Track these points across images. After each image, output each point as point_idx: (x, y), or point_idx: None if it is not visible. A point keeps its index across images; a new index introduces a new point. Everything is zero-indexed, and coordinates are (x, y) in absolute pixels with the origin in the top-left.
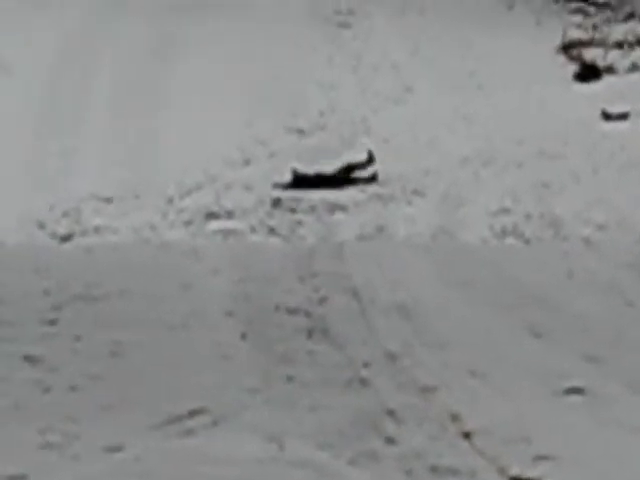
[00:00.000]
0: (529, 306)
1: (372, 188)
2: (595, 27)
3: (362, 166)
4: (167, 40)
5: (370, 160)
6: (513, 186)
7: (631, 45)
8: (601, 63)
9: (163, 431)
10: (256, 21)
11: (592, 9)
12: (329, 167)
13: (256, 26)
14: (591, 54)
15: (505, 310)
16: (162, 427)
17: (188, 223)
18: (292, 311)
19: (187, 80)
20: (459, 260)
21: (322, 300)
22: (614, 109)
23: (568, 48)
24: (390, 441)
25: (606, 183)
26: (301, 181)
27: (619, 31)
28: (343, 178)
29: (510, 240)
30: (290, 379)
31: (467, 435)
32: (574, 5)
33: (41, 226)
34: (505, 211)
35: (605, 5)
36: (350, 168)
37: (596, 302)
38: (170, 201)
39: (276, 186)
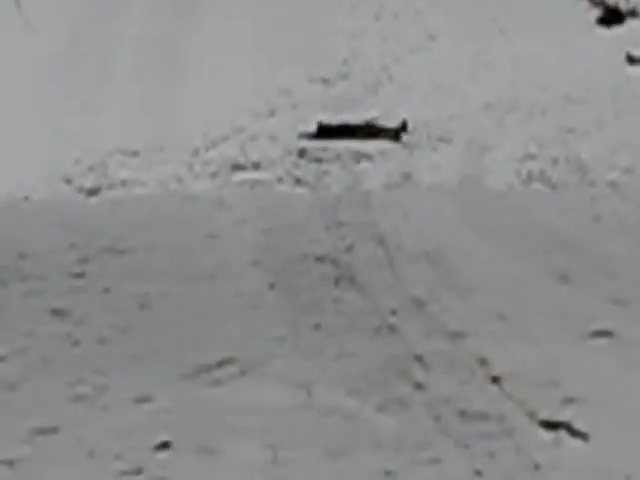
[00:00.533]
0: (555, 251)
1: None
2: None
3: (393, 133)
4: None
5: (404, 128)
6: (538, 132)
7: None
8: (624, 7)
9: (191, 381)
10: None
11: None
12: (355, 119)
13: None
14: None
15: (532, 255)
16: (190, 377)
17: (214, 175)
18: (319, 260)
19: (210, 33)
20: (485, 206)
21: (349, 248)
22: (638, 53)
23: None
24: (418, 387)
25: (631, 127)
26: (327, 132)
27: None
28: (369, 131)
29: (536, 185)
30: (317, 327)
31: (495, 379)
32: None
33: (67, 181)
34: (531, 157)
35: None
36: (377, 127)
37: (623, 245)
38: (196, 153)
39: (302, 136)
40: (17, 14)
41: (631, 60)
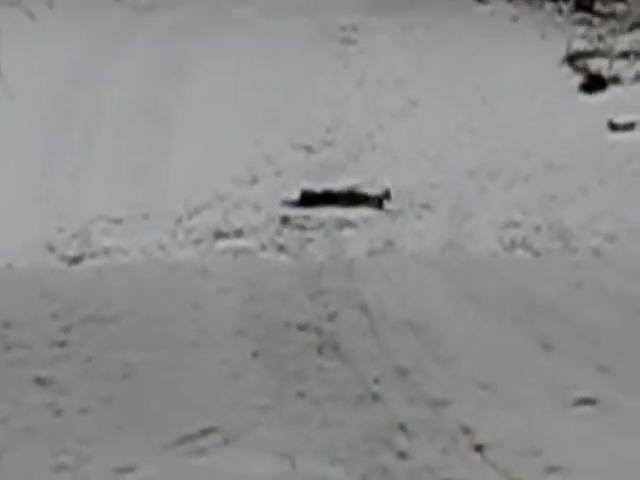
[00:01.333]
0: (538, 318)
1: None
2: (600, 38)
3: (376, 200)
4: (174, 60)
5: (387, 195)
6: (521, 198)
7: (636, 55)
8: (606, 73)
9: (175, 451)
10: (261, 39)
11: (596, 20)
12: (337, 186)
13: (261, 44)
14: (596, 65)
15: (515, 322)
16: (174, 447)
17: (197, 242)
18: (302, 328)
19: (194, 100)
20: (468, 273)
21: (332, 316)
22: (620, 119)
23: (573, 59)
24: (402, 456)
25: (614, 193)
26: (310, 200)
27: (624, 41)
28: (352, 199)
29: (519, 252)
30: (301, 396)
31: (479, 448)
32: (578, 16)
33: (50, 249)
34: (514, 224)
35: (609, 15)
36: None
37: (605, 312)
38: (179, 221)
39: (285, 204)
40: None
41: (613, 127)
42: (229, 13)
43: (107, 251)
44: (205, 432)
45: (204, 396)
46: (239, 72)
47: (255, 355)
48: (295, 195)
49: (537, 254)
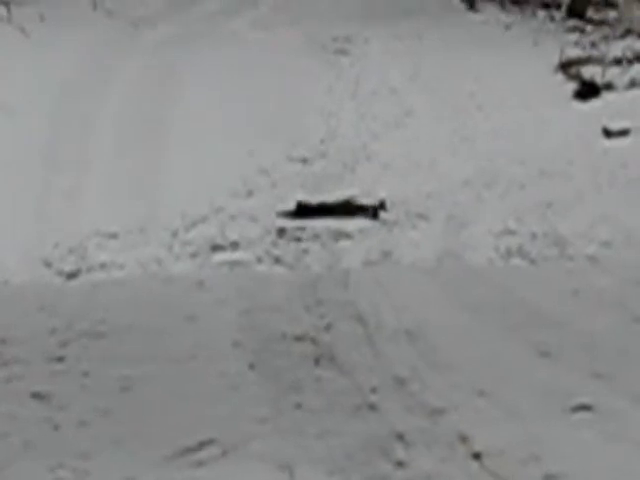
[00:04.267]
0: (536, 325)
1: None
2: (593, 44)
3: (372, 210)
4: (167, 74)
5: (382, 206)
6: (516, 206)
7: (629, 61)
8: (600, 80)
9: (174, 463)
10: (254, 51)
11: (589, 27)
12: (333, 197)
13: (254, 56)
14: (589, 72)
15: (512, 330)
16: (172, 459)
17: (194, 255)
18: (299, 339)
19: (188, 113)
20: (465, 282)
21: (328, 327)
22: (615, 126)
23: (566, 66)
24: (400, 465)
25: (610, 200)
26: (305, 211)
27: (617, 48)
28: (348, 210)
29: (516, 260)
30: (298, 407)
31: (477, 456)
32: (571, 23)
33: (46, 264)
34: (509, 232)
35: (602, 22)
36: (356, 206)
37: (602, 319)
38: (175, 234)
39: (280, 215)
40: None
41: (608, 133)
42: (221, 26)
43: (103, 266)
44: (203, 444)
45: (202, 408)
46: (232, 84)
47: (252, 367)
48: (291, 207)
49: (533, 262)
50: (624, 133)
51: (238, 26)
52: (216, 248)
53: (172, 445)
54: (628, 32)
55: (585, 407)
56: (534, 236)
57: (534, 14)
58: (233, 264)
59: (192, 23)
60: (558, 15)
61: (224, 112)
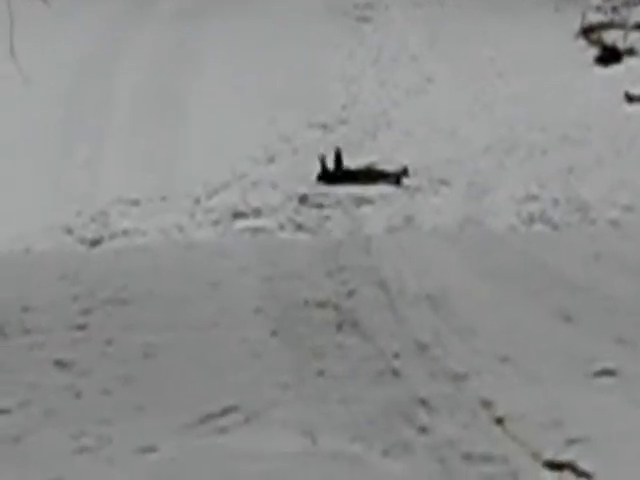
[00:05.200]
0: (558, 291)
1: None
2: (614, 10)
3: (394, 177)
4: (184, 43)
5: (405, 172)
6: (538, 172)
7: None
8: (621, 46)
9: (196, 430)
10: (275, 19)
11: None
12: (354, 163)
13: (275, 24)
14: (611, 37)
15: (534, 295)
16: (195, 426)
17: (216, 223)
18: (320, 305)
19: (209, 81)
20: (487, 248)
21: (350, 293)
22: (636, 91)
23: (588, 32)
24: (423, 430)
25: (630, 165)
26: (328, 178)
27: (638, 13)
28: (370, 176)
29: (538, 226)
30: (321, 373)
31: (499, 421)
32: None
33: (69, 232)
34: (532, 198)
35: None
36: (377, 172)
37: (624, 284)
38: (197, 201)
39: (302, 182)
40: (13, 66)
41: (630, 99)
42: None
43: (126, 233)
44: (226, 411)
45: (224, 375)
46: (251, 52)
47: (274, 333)
48: (313, 174)
49: (556, 227)
50: None
51: None
52: (238, 215)
53: (194, 412)
54: None
55: (608, 372)
56: (556, 202)
57: None
58: (255, 231)
59: None
60: None
61: (243, 80)
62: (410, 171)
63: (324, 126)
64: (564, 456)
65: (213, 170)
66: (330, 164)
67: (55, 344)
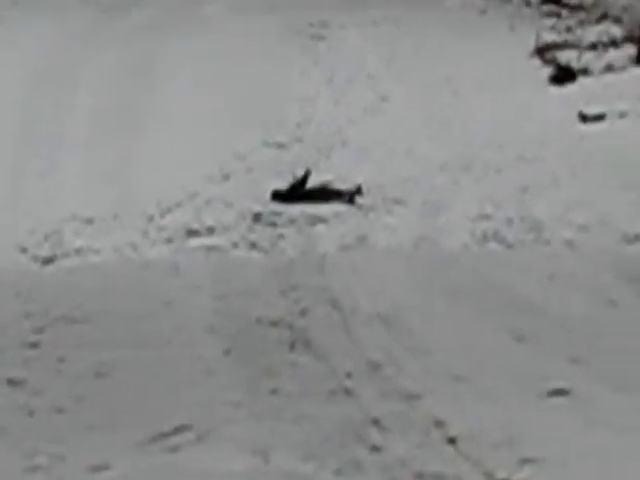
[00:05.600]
0: (512, 310)
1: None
2: (569, 29)
3: (348, 196)
4: (142, 59)
5: (358, 191)
6: (493, 191)
7: (605, 46)
8: (576, 65)
9: (149, 448)
10: (230, 37)
11: (565, 11)
12: (309, 182)
13: (230, 42)
14: (565, 56)
15: (488, 315)
16: (148, 445)
17: (169, 241)
18: (274, 324)
19: (164, 99)
20: (441, 267)
21: (303, 312)
22: (590, 110)
23: (542, 51)
24: (375, 450)
25: (586, 185)
26: (281, 196)
27: (593, 32)
28: (324, 195)
29: (492, 245)
30: (274, 392)
31: (452, 441)
32: (547, 8)
33: (22, 250)
34: (486, 216)
35: (578, 7)
36: (332, 191)
37: (579, 304)
38: (151, 219)
39: (256, 201)
40: None
41: (584, 118)
42: (195, 12)
43: (79, 251)
44: (178, 429)
45: (177, 393)
46: (207, 71)
47: (227, 352)
48: (267, 192)
49: (510, 246)
50: (600, 118)
51: (213, 12)
52: (192, 233)
53: (147, 430)
54: (604, 17)
55: (561, 392)
56: (510, 221)
57: None
58: (209, 249)
59: (167, 9)
60: (534, 0)
61: (199, 98)
62: (365, 190)
63: (279, 145)
64: (517, 476)
65: (167, 188)
66: (284, 183)
67: (7, 362)
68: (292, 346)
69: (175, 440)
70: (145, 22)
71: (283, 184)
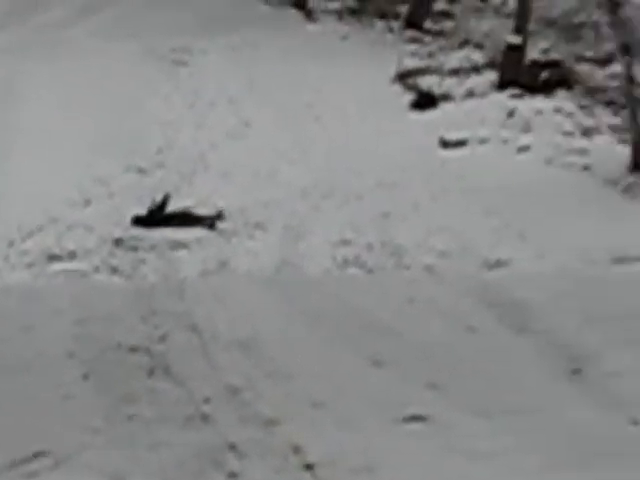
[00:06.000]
0: (371, 335)
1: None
2: (430, 55)
3: (209, 221)
4: (3, 83)
5: (219, 216)
6: (354, 217)
7: (466, 72)
8: (437, 90)
9: (6, 474)
10: (92, 61)
11: (427, 38)
12: (170, 207)
13: (92, 66)
14: (427, 82)
15: (347, 340)
16: (5, 471)
17: (30, 265)
18: (133, 350)
19: (26, 123)
20: (302, 292)
21: (163, 338)
22: (452, 136)
23: (404, 77)
24: (232, 476)
25: (446, 210)
26: (142, 221)
27: (454, 58)
28: (185, 220)
29: (352, 270)
30: (131, 418)
31: (310, 467)
32: (409, 34)
33: None
34: (347, 242)
35: (440, 33)
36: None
37: (437, 329)
38: (11, 244)
39: (117, 225)
40: None
41: (444, 144)
42: (60, 36)
43: None
44: (35, 455)
45: (35, 419)
46: (70, 94)
47: (86, 377)
48: (128, 217)
49: (370, 271)
50: (461, 144)
51: (77, 36)
52: (53, 258)
53: (5, 456)
54: (465, 43)
55: (418, 418)
56: (371, 246)
57: (372, 25)
58: (69, 274)
59: (30, 33)
60: (396, 26)
61: (61, 122)
62: (226, 215)
63: (141, 170)
64: None
65: (28, 213)
66: (145, 208)
67: None
68: (151, 372)
69: (33, 466)
70: (8, 46)
71: (144, 209)
